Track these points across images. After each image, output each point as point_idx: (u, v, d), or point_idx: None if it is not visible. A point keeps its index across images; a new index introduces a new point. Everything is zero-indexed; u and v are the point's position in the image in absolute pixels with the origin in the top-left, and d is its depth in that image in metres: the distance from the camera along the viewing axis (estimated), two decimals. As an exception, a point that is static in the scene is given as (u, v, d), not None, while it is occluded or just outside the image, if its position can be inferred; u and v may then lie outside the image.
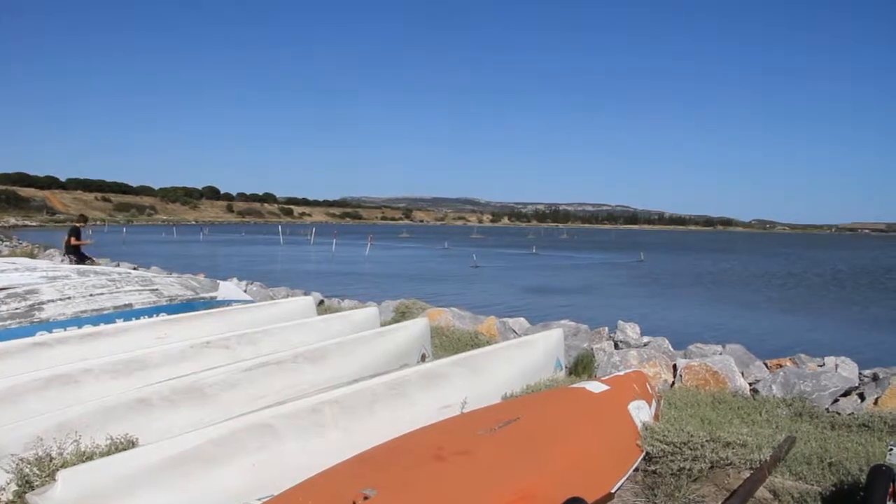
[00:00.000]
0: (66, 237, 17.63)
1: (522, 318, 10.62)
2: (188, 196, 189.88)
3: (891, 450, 3.51)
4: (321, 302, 13.07)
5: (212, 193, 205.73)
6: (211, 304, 9.58)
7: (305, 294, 12.65)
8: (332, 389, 4.75)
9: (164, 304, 9.02)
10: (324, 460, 3.59)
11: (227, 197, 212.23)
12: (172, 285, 9.68)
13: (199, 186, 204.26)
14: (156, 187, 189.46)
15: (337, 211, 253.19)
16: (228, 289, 10.83)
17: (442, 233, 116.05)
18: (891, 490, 3.44)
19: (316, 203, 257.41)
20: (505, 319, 10.48)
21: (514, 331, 9.99)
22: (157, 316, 8.41)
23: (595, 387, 4.85)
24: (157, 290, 9.24)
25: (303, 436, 3.98)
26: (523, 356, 6.28)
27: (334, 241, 59.60)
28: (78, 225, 17.78)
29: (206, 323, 7.75)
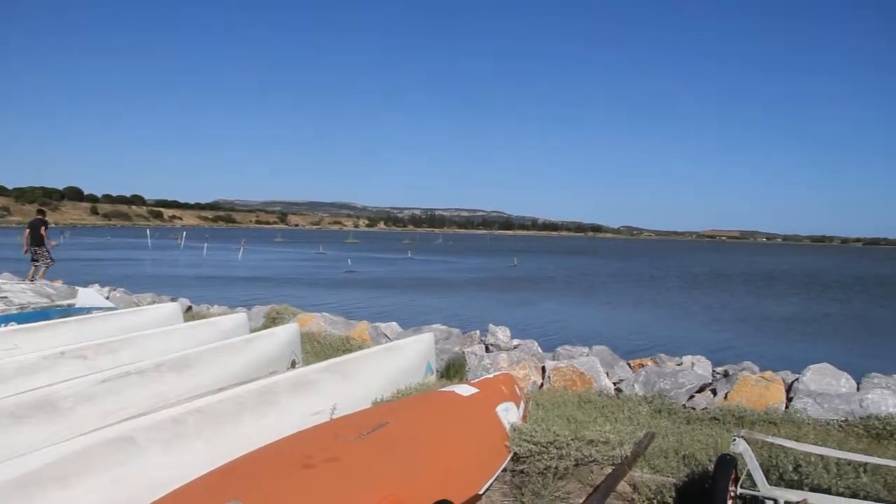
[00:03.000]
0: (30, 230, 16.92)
1: (394, 323, 10.63)
2: (47, 197, 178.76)
3: (734, 440, 3.80)
4: (189, 308, 12.66)
5: (74, 194, 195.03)
6: (68, 311, 9.10)
7: (172, 300, 12.19)
8: (197, 398, 4.60)
9: (15, 312, 8.50)
10: (187, 473, 3.46)
11: (92, 198, 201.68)
12: (24, 292, 9.16)
13: (60, 187, 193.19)
14: (10, 187, 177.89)
15: (209, 214, 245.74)
16: (88, 295, 10.33)
17: (317, 237, 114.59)
18: (733, 476, 3.78)
19: (187, 206, 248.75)
20: (377, 324, 10.46)
21: (386, 335, 9.98)
22: (7, 325, 7.90)
23: (464, 390, 4.93)
24: (6, 297, 8.73)
25: (164, 448, 3.83)
26: (394, 361, 6.29)
27: (206, 244, 57.94)
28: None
29: (61, 332, 7.36)
